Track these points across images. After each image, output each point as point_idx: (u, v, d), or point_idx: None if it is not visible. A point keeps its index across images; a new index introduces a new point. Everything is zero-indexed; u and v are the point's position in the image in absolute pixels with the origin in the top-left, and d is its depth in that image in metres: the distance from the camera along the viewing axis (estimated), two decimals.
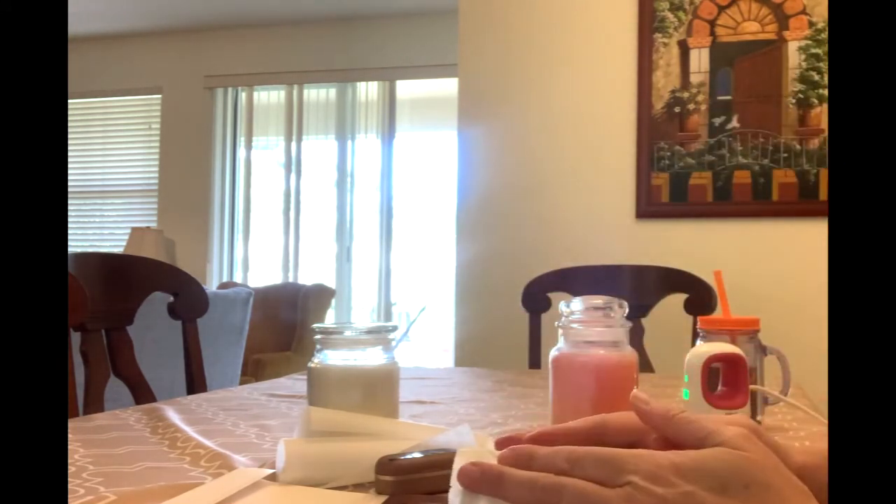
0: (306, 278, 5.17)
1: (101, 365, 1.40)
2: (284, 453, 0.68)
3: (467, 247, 2.80)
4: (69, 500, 0.61)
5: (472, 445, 0.71)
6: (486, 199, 2.78)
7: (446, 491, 0.62)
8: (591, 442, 0.52)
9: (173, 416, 1.01)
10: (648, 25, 2.64)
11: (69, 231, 5.61)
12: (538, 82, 2.75)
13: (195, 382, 1.55)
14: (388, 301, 5.23)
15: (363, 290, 5.28)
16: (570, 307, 0.82)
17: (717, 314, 1.06)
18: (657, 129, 2.62)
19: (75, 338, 1.37)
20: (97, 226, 5.72)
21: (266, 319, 4.42)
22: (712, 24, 2.60)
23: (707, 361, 0.85)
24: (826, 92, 2.54)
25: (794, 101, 2.53)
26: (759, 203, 2.54)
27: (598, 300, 0.82)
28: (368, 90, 5.31)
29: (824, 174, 2.52)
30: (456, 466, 0.52)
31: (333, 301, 4.91)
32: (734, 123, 2.57)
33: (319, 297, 4.67)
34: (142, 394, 1.43)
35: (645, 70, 2.63)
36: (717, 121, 2.58)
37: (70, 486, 0.66)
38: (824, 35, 2.54)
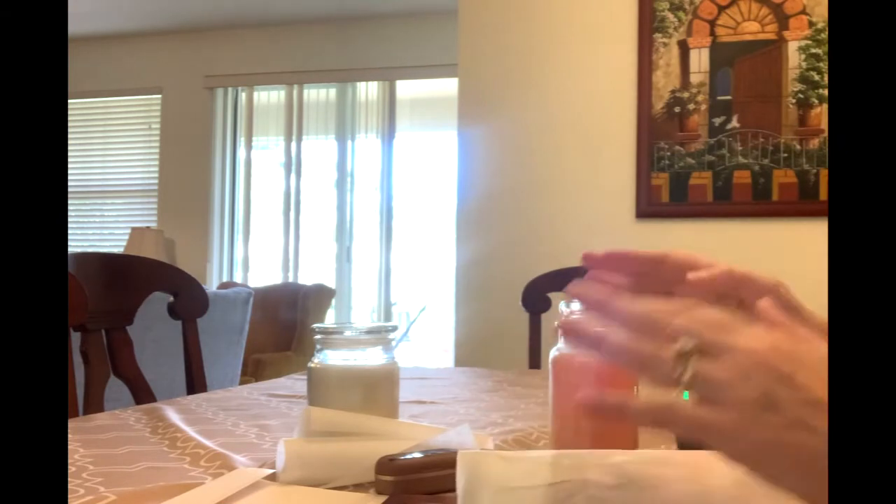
0: (306, 278, 5.17)
1: (101, 365, 1.40)
2: (284, 453, 0.68)
3: (467, 247, 2.80)
4: (69, 500, 0.61)
5: (473, 446, 0.71)
6: (486, 199, 2.78)
7: (446, 491, 0.62)
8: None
9: (173, 416, 1.01)
10: (648, 25, 2.64)
11: (69, 231, 5.61)
12: (538, 82, 2.75)
13: (195, 382, 1.55)
14: (388, 301, 5.23)
15: (363, 290, 5.28)
16: (570, 307, 0.82)
17: None
18: (657, 129, 2.62)
19: (75, 338, 1.37)
20: (97, 226, 5.72)
21: (266, 319, 4.42)
22: (712, 24, 2.60)
23: None
24: (826, 92, 2.54)
25: (794, 101, 2.53)
26: (759, 203, 2.54)
27: None
28: (368, 90, 5.31)
29: (824, 174, 2.52)
30: (458, 469, 0.51)
31: (333, 301, 4.91)
32: (734, 123, 2.57)
33: (319, 297, 4.67)
34: (142, 394, 1.43)
35: (645, 70, 2.63)
36: (717, 121, 2.58)
37: (70, 486, 0.66)
38: (824, 35, 2.54)
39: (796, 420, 0.40)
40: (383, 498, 0.62)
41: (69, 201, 5.26)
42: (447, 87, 4.75)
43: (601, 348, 0.46)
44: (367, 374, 0.82)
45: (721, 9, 2.60)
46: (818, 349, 0.43)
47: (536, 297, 2.00)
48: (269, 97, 5.47)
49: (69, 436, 0.88)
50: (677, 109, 2.61)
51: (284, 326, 4.48)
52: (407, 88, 5.27)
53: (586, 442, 0.77)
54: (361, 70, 5.24)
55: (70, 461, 0.75)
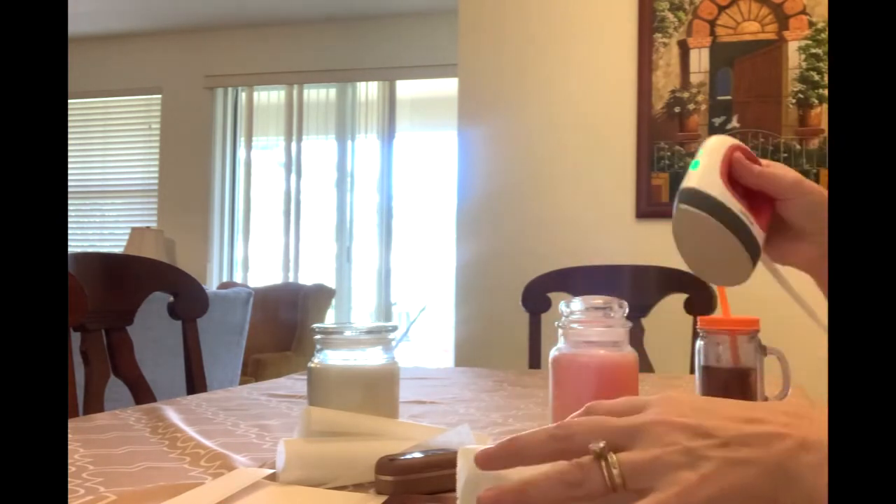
0: (306, 278, 5.17)
1: (101, 365, 1.40)
2: (284, 453, 0.68)
3: (467, 247, 2.80)
4: (69, 500, 0.61)
5: (473, 445, 0.71)
6: (486, 199, 2.78)
7: (446, 491, 0.62)
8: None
9: (173, 416, 1.01)
10: (648, 25, 2.64)
11: (69, 231, 5.61)
12: (538, 82, 2.75)
13: (195, 382, 1.55)
14: (388, 301, 5.22)
15: (363, 290, 5.27)
16: (570, 307, 0.82)
17: (717, 314, 1.06)
18: (657, 129, 2.62)
19: (75, 338, 1.37)
20: (97, 226, 5.72)
21: (266, 319, 4.42)
22: (712, 24, 2.60)
23: (732, 149, 0.73)
24: (826, 92, 2.54)
25: (794, 101, 2.53)
26: None
27: (598, 300, 0.82)
28: (368, 90, 5.31)
29: (824, 174, 2.52)
30: (459, 466, 0.51)
31: (333, 301, 4.91)
32: (734, 123, 2.57)
33: (319, 297, 4.67)
34: (142, 394, 1.43)
35: (645, 70, 2.63)
36: (717, 121, 2.58)
37: (70, 486, 0.66)
38: (824, 35, 2.54)
39: (725, 461, 0.41)
40: (383, 498, 0.62)
41: (69, 201, 5.25)
42: (447, 87, 4.75)
43: (528, 500, 0.44)
44: (367, 374, 0.82)
45: (721, 9, 2.60)
46: (705, 398, 0.46)
47: (536, 297, 2.00)
48: (269, 97, 5.47)
49: (69, 436, 0.88)
50: (677, 109, 2.61)
51: (284, 326, 4.48)
52: (407, 88, 5.27)
53: None
54: (361, 70, 5.24)
55: (70, 461, 0.75)
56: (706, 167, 0.71)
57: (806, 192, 0.72)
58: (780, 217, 0.74)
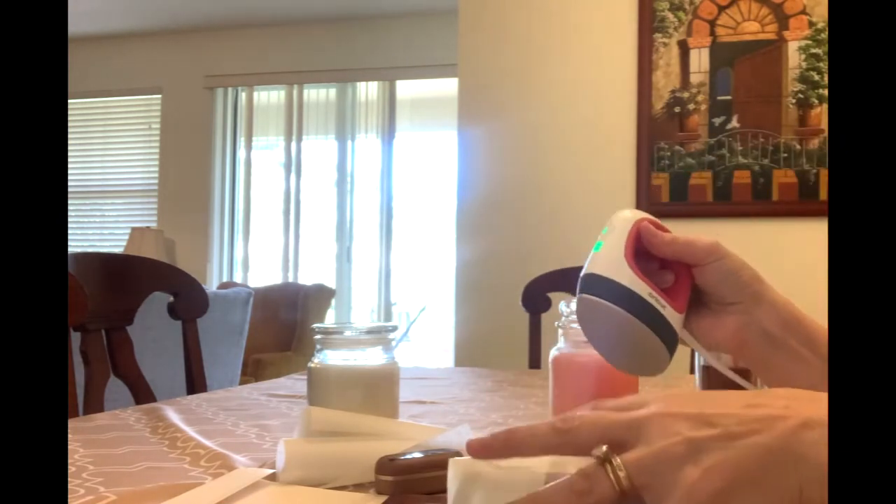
0: (306, 278, 5.17)
1: (101, 365, 1.40)
2: (284, 453, 0.68)
3: (467, 247, 2.80)
4: (69, 500, 0.61)
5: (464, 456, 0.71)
6: (486, 199, 2.78)
7: (446, 491, 0.62)
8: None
9: (173, 416, 1.01)
10: (648, 25, 2.64)
11: (69, 231, 5.61)
12: (538, 82, 2.75)
13: (195, 382, 1.55)
14: (388, 301, 5.23)
15: (363, 290, 5.28)
16: (570, 307, 0.82)
17: None
18: (657, 129, 2.62)
19: (75, 338, 1.37)
20: (97, 226, 5.72)
21: (266, 319, 4.42)
22: (712, 24, 2.60)
23: (638, 222, 0.68)
24: (826, 92, 2.54)
25: (794, 101, 2.53)
26: (759, 203, 2.54)
27: None
28: (368, 90, 5.31)
29: (824, 174, 2.52)
30: (449, 476, 0.51)
31: (333, 301, 4.91)
32: (734, 123, 2.57)
33: (319, 297, 4.67)
34: (142, 394, 1.43)
35: (645, 70, 2.63)
36: (717, 121, 2.58)
37: (70, 486, 0.66)
38: (824, 35, 2.54)
39: (727, 450, 0.41)
40: (383, 498, 0.62)
41: (69, 201, 5.26)
42: (447, 87, 4.75)
43: None
44: (367, 374, 0.82)
45: (721, 9, 2.60)
46: (706, 391, 0.46)
47: (536, 297, 2.00)
48: (269, 97, 5.47)
49: (69, 436, 0.88)
50: (677, 109, 2.61)
51: (284, 326, 4.48)
52: (407, 88, 5.27)
53: None
54: (361, 70, 5.24)
55: (70, 461, 0.75)
56: (610, 247, 0.66)
57: (722, 255, 0.68)
58: (700, 289, 0.68)
